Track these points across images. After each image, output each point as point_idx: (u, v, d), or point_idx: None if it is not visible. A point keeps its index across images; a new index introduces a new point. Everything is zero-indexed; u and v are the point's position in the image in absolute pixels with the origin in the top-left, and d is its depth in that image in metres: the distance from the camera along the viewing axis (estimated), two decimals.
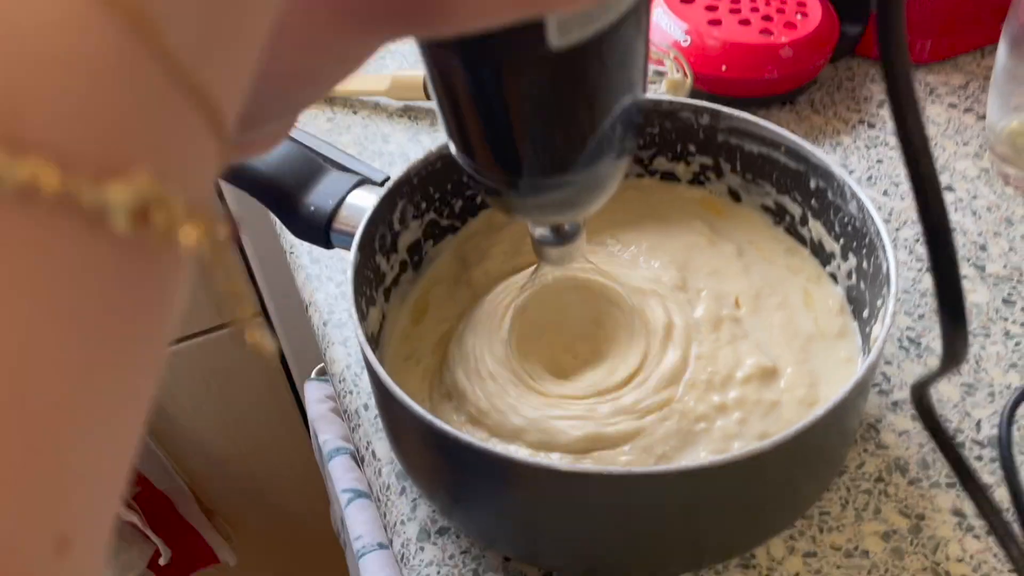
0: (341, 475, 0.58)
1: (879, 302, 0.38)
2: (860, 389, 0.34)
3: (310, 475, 0.65)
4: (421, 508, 0.42)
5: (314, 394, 0.64)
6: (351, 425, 0.48)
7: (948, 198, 0.55)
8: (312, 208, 0.44)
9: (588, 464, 0.35)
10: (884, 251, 0.38)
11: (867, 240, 0.40)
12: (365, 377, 0.48)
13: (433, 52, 0.23)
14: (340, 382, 0.50)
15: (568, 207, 0.28)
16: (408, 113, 0.65)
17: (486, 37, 0.19)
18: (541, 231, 0.32)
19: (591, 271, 0.42)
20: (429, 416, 0.34)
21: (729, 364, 0.39)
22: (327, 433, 0.61)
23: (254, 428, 0.90)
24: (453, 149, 0.26)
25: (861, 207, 0.41)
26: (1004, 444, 0.35)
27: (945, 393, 0.45)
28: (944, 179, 0.56)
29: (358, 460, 0.60)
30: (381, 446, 0.45)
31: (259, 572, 1.01)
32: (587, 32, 0.20)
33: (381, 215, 0.43)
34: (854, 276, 0.43)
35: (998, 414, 0.44)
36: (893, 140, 0.59)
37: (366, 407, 0.47)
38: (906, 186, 0.56)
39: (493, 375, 0.39)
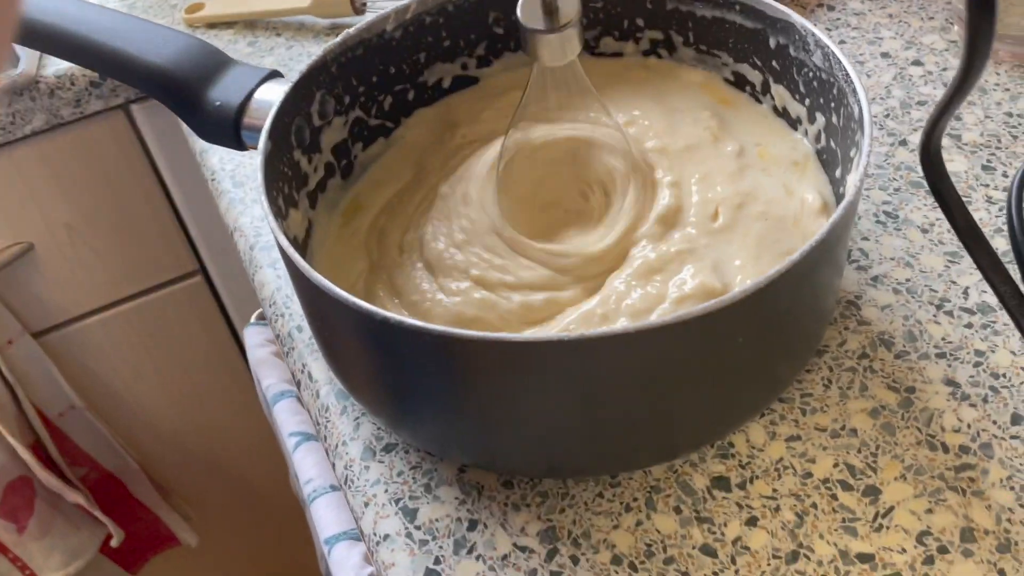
0: (287, 419, 0.53)
1: (852, 152, 0.34)
2: (833, 239, 0.30)
3: (270, 444, 0.61)
4: (364, 426, 0.38)
5: (254, 339, 0.59)
6: (284, 350, 0.44)
7: (916, 73, 0.51)
8: (218, 103, 0.39)
9: (539, 332, 0.31)
10: (855, 94, 0.34)
11: (835, 90, 0.37)
12: (296, 299, 0.44)
13: None
14: (271, 306, 0.45)
15: None
16: (336, 31, 0.61)
17: None
18: (532, 19, 0.30)
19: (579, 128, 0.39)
20: (362, 303, 0.29)
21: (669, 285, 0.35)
22: (270, 378, 0.56)
23: (205, 397, 0.85)
24: None
25: (827, 55, 0.37)
26: (1014, 206, 0.31)
27: (928, 263, 0.41)
28: (911, 54, 0.52)
29: (301, 399, 0.56)
30: (317, 366, 0.41)
31: (224, 551, 0.96)
32: None
33: (295, 104, 0.39)
34: (823, 137, 0.39)
35: (983, 281, 0.40)
36: (855, 20, 0.55)
37: (299, 328, 0.43)
38: (872, 63, 0.52)
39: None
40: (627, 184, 0.38)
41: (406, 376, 0.33)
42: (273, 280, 0.45)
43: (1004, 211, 0.43)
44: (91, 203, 0.70)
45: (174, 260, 0.76)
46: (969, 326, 0.39)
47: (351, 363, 0.36)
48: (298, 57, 0.59)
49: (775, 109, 0.42)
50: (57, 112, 0.62)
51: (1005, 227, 0.42)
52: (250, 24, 0.62)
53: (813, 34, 0.37)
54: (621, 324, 0.33)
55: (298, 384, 0.43)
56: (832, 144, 0.38)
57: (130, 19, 0.41)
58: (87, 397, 0.77)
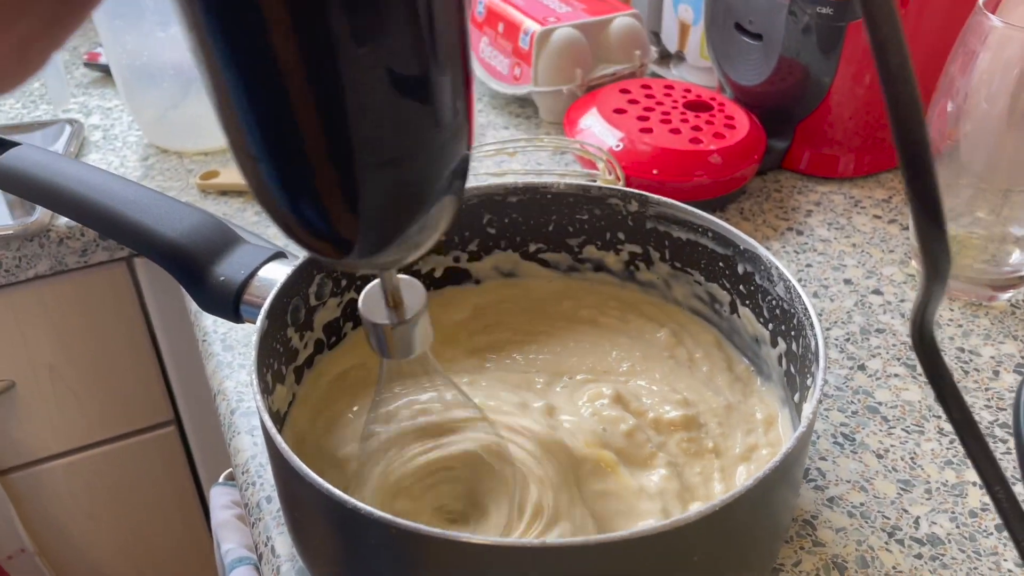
0: None
1: (808, 380, 0.37)
2: (791, 461, 0.32)
3: None
4: None
5: (220, 500, 0.59)
6: (251, 520, 0.44)
7: (876, 302, 0.55)
8: (222, 278, 0.42)
9: (508, 538, 0.32)
10: (812, 327, 0.37)
11: (795, 320, 0.39)
12: (270, 468, 0.45)
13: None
14: (243, 473, 0.46)
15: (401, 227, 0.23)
16: None
17: None
18: (374, 313, 0.28)
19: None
20: (329, 487, 0.30)
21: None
22: (230, 542, 0.56)
23: (159, 552, 0.83)
24: (268, 199, 0.22)
25: (788, 288, 0.40)
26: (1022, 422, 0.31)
27: (882, 489, 0.43)
28: (872, 283, 0.56)
29: (259, 569, 0.55)
30: (282, 541, 0.41)
31: None
32: None
33: (296, 286, 0.41)
34: (784, 361, 0.42)
35: (935, 511, 0.42)
36: (821, 246, 0.60)
37: (268, 499, 0.44)
38: (835, 288, 0.56)
39: None
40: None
41: (368, 565, 0.33)
42: (249, 447, 0.46)
43: (955, 443, 0.45)
44: (78, 346, 0.71)
45: (151, 408, 0.76)
46: (919, 556, 0.40)
47: (314, 539, 0.37)
48: None
49: (743, 330, 0.45)
50: (62, 260, 0.65)
51: (955, 459, 0.44)
52: None
53: (777, 267, 0.41)
54: (589, 536, 0.34)
55: (259, 556, 0.43)
56: (792, 370, 0.40)
57: (149, 193, 0.44)
58: (39, 541, 0.75)
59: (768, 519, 0.34)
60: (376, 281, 0.29)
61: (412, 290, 0.29)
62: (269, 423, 0.33)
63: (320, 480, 0.31)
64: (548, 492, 0.35)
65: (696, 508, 0.29)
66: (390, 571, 0.32)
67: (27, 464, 0.73)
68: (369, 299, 0.29)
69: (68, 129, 0.73)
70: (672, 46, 0.82)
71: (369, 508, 0.30)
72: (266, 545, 0.42)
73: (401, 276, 0.29)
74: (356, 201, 0.21)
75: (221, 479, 0.61)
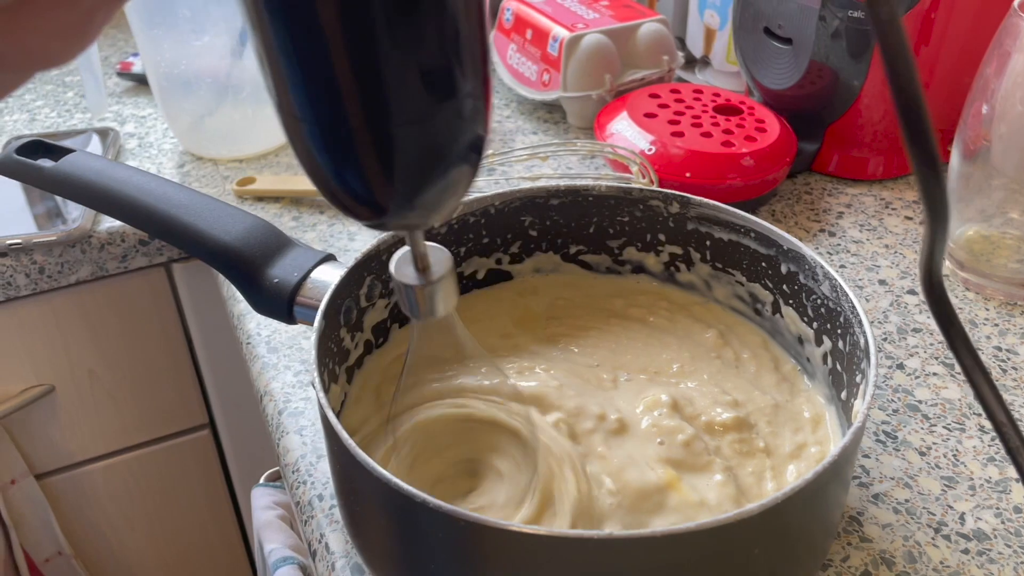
0: None
1: (858, 377, 0.37)
2: (845, 457, 0.33)
3: None
4: None
5: (261, 500, 0.60)
6: (303, 518, 0.45)
7: (912, 301, 0.55)
8: (276, 280, 0.42)
9: (565, 529, 0.33)
10: (861, 325, 0.38)
11: (842, 319, 0.40)
12: (320, 466, 0.45)
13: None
14: (293, 472, 0.46)
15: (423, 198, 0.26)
16: None
17: None
18: (406, 275, 0.30)
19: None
20: (396, 480, 0.31)
21: None
22: (273, 542, 0.57)
23: (192, 554, 0.83)
24: (309, 159, 0.24)
25: (835, 287, 0.40)
26: None
27: (926, 486, 0.43)
28: (907, 283, 0.57)
29: (306, 572, 0.56)
30: (336, 538, 0.42)
31: None
32: None
33: (348, 287, 0.42)
34: (830, 359, 0.42)
35: (980, 507, 0.42)
36: (854, 247, 0.60)
37: (320, 498, 0.44)
38: (870, 289, 0.56)
39: None
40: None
41: (428, 556, 0.34)
42: (299, 447, 0.47)
43: (996, 440, 0.46)
44: (117, 351, 0.72)
45: (186, 412, 0.77)
46: (966, 552, 0.40)
47: (372, 532, 0.38)
48: (337, 235, 0.63)
49: (786, 330, 0.45)
50: (103, 265, 0.66)
51: (998, 456, 0.45)
52: (296, 200, 0.67)
53: (822, 266, 0.41)
54: (655, 527, 0.34)
55: (313, 554, 0.44)
56: (839, 367, 0.41)
57: (202, 197, 0.45)
58: (76, 544, 0.76)
59: (821, 515, 0.35)
60: (406, 247, 0.30)
61: (439, 254, 0.31)
62: (333, 418, 0.34)
63: (386, 472, 0.31)
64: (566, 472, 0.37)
65: (745, 507, 0.30)
66: (451, 562, 0.33)
67: (66, 467, 0.74)
68: (399, 263, 0.31)
69: (106, 137, 0.74)
70: (697, 51, 0.82)
71: (436, 500, 0.30)
72: (320, 542, 0.43)
73: (428, 243, 0.31)
74: (387, 158, 0.24)
75: (262, 480, 0.62)
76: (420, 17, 0.22)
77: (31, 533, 0.74)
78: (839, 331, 0.41)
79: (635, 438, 0.40)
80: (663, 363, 0.45)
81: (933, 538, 0.41)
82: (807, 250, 0.42)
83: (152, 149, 0.75)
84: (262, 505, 0.59)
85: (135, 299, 0.70)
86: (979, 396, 0.30)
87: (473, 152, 0.26)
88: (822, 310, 0.42)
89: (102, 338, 0.71)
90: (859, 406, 0.35)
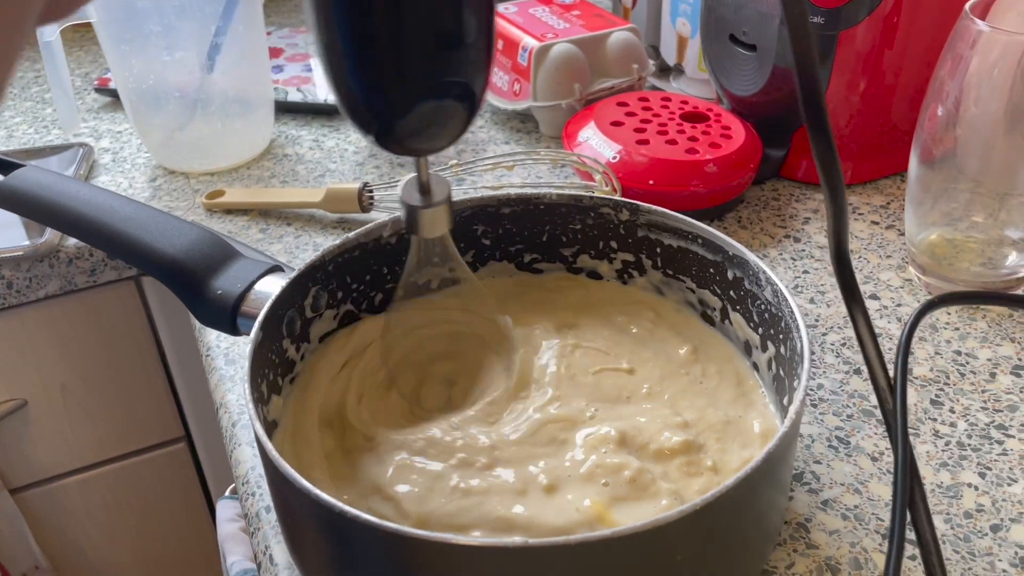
0: None
1: (796, 382, 0.37)
2: (773, 461, 0.32)
3: None
4: None
5: (226, 513, 0.60)
6: (251, 529, 0.45)
7: (873, 305, 0.55)
8: (219, 292, 0.43)
9: (484, 538, 0.33)
10: (798, 330, 0.37)
11: (783, 324, 0.40)
12: (265, 475, 0.45)
13: None
14: (244, 484, 0.46)
15: (431, 127, 0.30)
16: (343, 224, 0.65)
17: None
18: (410, 196, 0.35)
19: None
20: (316, 491, 0.31)
21: None
22: (235, 554, 0.57)
23: (171, 566, 0.83)
24: (331, 83, 0.29)
25: (776, 291, 0.40)
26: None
27: (876, 492, 0.43)
28: (869, 288, 0.57)
29: None
30: (279, 550, 0.42)
31: None
32: None
33: (290, 298, 0.42)
34: (774, 365, 0.42)
35: (932, 512, 0.42)
36: (818, 252, 0.60)
37: (268, 509, 0.44)
38: (832, 294, 0.56)
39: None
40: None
41: (359, 567, 0.34)
42: (250, 459, 0.47)
43: (950, 446, 0.45)
44: (89, 365, 0.72)
45: (161, 425, 0.77)
46: (913, 557, 0.40)
47: (306, 544, 0.37)
48: (304, 246, 0.64)
49: (734, 337, 0.45)
50: (72, 279, 0.66)
51: (950, 461, 0.44)
52: (264, 213, 0.67)
53: (764, 271, 0.41)
54: (577, 535, 0.34)
55: (259, 566, 0.44)
56: (781, 373, 0.41)
57: (149, 211, 0.46)
58: (54, 558, 0.76)
59: (753, 519, 0.35)
60: (412, 175, 0.35)
61: (440, 182, 0.36)
62: (260, 430, 0.34)
63: (306, 483, 0.31)
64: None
65: (678, 508, 0.30)
66: (380, 572, 0.33)
67: (40, 482, 0.74)
68: (407, 188, 0.36)
69: (79, 152, 0.75)
70: (671, 59, 0.82)
71: (355, 511, 0.30)
72: (264, 554, 0.42)
73: (432, 172, 0.35)
74: (403, 82, 0.28)
75: (227, 493, 0.62)
76: None
77: (7, 547, 0.74)
78: (781, 336, 0.40)
79: (573, 487, 0.39)
80: (635, 386, 0.44)
81: (880, 544, 0.40)
82: (751, 255, 0.42)
83: (125, 164, 0.75)
84: (225, 517, 0.59)
85: (106, 313, 0.71)
86: (871, 370, 0.32)
87: (469, 96, 0.30)
88: (766, 315, 0.42)
89: (74, 352, 0.71)
90: (791, 411, 0.35)
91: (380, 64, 0.28)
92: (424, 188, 0.35)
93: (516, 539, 0.30)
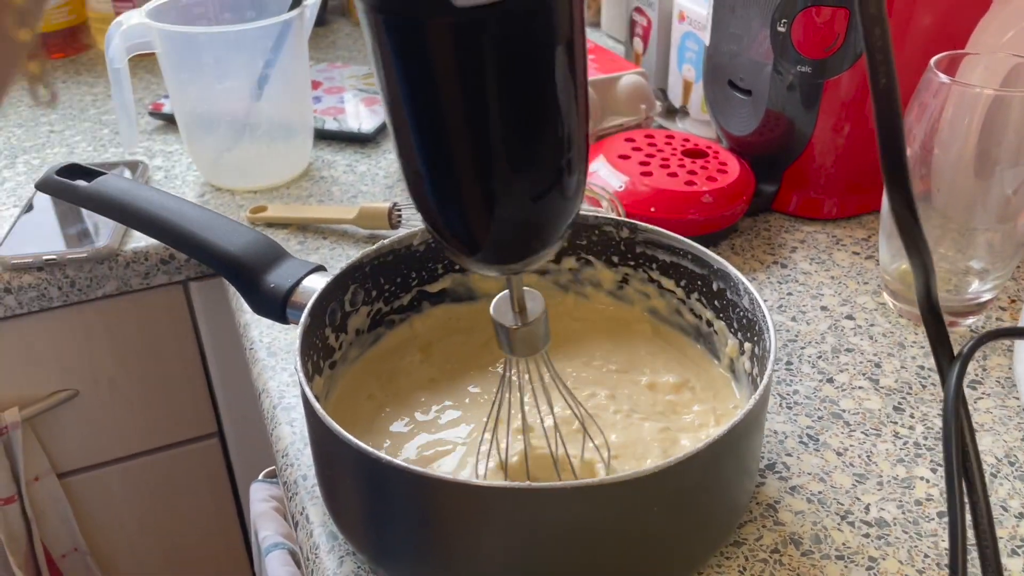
0: (276, 568, 0.59)
1: (764, 373, 0.43)
2: (739, 433, 0.38)
3: None
4: (348, 563, 0.45)
5: (259, 494, 0.66)
6: (289, 495, 0.51)
7: (848, 325, 0.61)
8: (272, 285, 0.49)
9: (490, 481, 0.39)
10: (767, 331, 0.44)
11: (757, 326, 0.46)
12: (306, 452, 0.52)
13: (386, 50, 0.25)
14: (283, 457, 0.53)
15: (521, 245, 0.30)
16: (373, 240, 0.72)
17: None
18: (503, 316, 0.34)
19: None
20: (355, 440, 0.37)
21: None
22: (266, 530, 0.63)
23: (195, 551, 0.89)
24: (419, 210, 0.30)
25: (752, 300, 0.47)
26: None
27: (839, 481, 0.49)
28: (846, 309, 0.63)
29: (295, 557, 0.62)
30: (314, 510, 0.48)
31: None
32: None
33: (333, 292, 0.49)
34: (748, 365, 0.48)
35: (885, 500, 0.47)
36: (802, 277, 0.66)
37: (304, 478, 0.50)
38: (811, 314, 0.62)
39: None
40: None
41: (386, 511, 0.40)
42: (288, 435, 0.53)
43: (907, 445, 0.51)
44: (136, 361, 0.79)
45: (197, 420, 0.84)
46: (867, 536, 0.45)
47: (344, 500, 0.44)
48: (338, 258, 0.70)
49: (717, 339, 0.52)
50: (127, 281, 0.73)
51: (906, 457, 0.50)
52: (302, 227, 0.74)
53: (743, 282, 0.47)
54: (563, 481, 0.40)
55: (295, 525, 0.50)
56: (755, 371, 0.47)
57: (212, 214, 0.53)
58: (90, 541, 0.82)
59: (720, 487, 0.41)
60: (505, 291, 0.35)
61: (534, 299, 0.36)
62: (310, 393, 0.41)
63: (347, 434, 0.38)
64: None
65: (660, 462, 0.36)
66: (406, 515, 0.39)
67: (85, 468, 0.81)
68: (499, 305, 0.36)
69: (136, 168, 0.82)
70: (677, 101, 0.90)
71: (387, 456, 0.37)
72: (301, 514, 0.49)
73: (526, 288, 0.35)
74: (489, 207, 0.29)
75: (260, 477, 0.68)
76: (531, 128, 0.27)
77: (51, 529, 0.80)
78: (755, 337, 0.47)
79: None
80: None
81: (839, 524, 0.46)
82: (732, 268, 0.48)
83: (177, 180, 0.83)
84: (259, 498, 0.65)
85: (155, 313, 0.78)
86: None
87: (567, 222, 0.31)
88: (744, 320, 0.48)
89: (123, 348, 0.78)
90: (755, 394, 0.41)
91: (465, 177, 0.27)
92: (519, 306, 0.34)
93: (522, 483, 0.36)
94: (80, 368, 0.77)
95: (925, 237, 0.34)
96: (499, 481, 0.39)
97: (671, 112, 0.92)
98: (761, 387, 0.40)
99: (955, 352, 0.36)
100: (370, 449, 0.37)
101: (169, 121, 0.94)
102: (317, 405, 0.39)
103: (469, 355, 0.54)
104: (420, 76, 0.26)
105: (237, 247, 0.50)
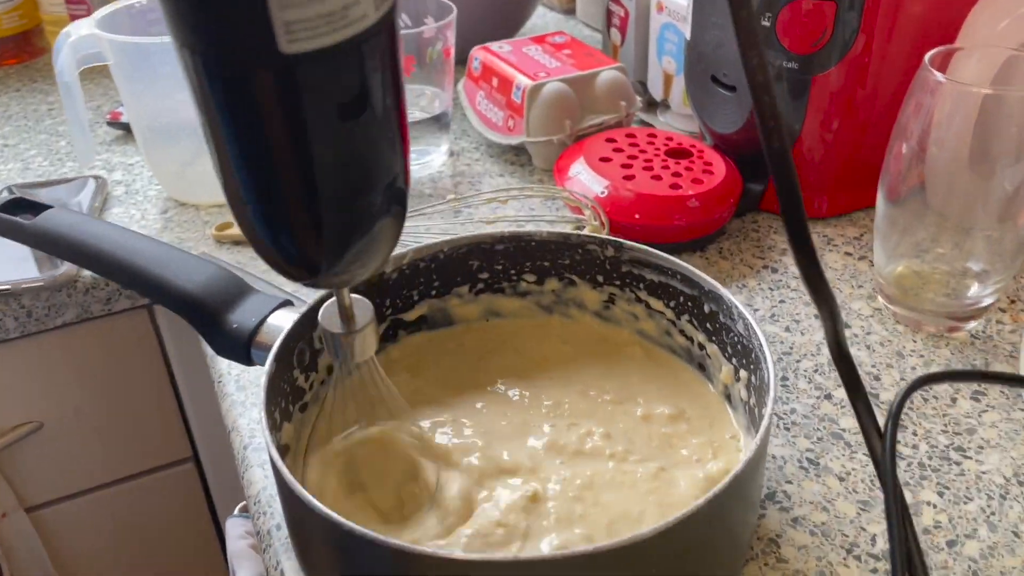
0: None
1: (764, 409, 0.41)
2: (740, 483, 0.36)
3: None
4: None
5: (235, 530, 0.63)
6: (263, 546, 0.48)
7: (846, 333, 0.58)
8: (235, 325, 0.46)
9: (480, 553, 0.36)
10: (765, 361, 0.41)
11: (753, 355, 0.43)
12: (279, 499, 0.49)
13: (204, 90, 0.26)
14: (255, 504, 0.50)
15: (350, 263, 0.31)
16: None
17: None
18: (331, 324, 0.36)
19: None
20: (326, 510, 0.34)
21: None
22: (245, 570, 0.60)
23: None
24: (242, 229, 0.30)
25: (747, 325, 0.44)
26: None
27: (842, 510, 0.46)
28: (842, 317, 0.60)
29: None
30: (291, 566, 0.45)
31: None
32: (314, 44, 0.25)
33: (301, 331, 0.46)
34: (745, 393, 0.45)
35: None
36: (795, 283, 0.64)
37: (278, 527, 0.47)
38: (806, 323, 0.60)
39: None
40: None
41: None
42: (260, 480, 0.50)
43: (911, 466, 0.49)
44: (102, 389, 0.76)
45: (171, 446, 0.80)
46: (875, 571, 0.43)
47: (317, 560, 0.41)
48: None
49: (711, 366, 0.49)
50: (88, 308, 0.70)
51: (911, 480, 0.48)
52: None
53: (736, 306, 0.45)
54: (549, 551, 0.37)
55: None
56: (752, 400, 0.44)
57: (169, 248, 0.49)
58: (65, 574, 0.79)
59: (721, 534, 0.38)
60: (333, 299, 0.36)
61: (362, 306, 0.36)
62: (276, 455, 0.38)
63: (320, 505, 0.35)
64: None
65: (652, 526, 0.33)
66: None
67: (54, 501, 0.77)
68: (326, 313, 0.36)
69: (93, 184, 0.78)
70: (658, 95, 0.86)
71: (363, 529, 0.34)
72: (276, 568, 0.46)
73: (353, 295, 0.36)
74: (318, 236, 0.29)
75: (236, 511, 0.65)
76: (347, 127, 0.27)
77: (22, 564, 0.77)
78: (752, 366, 0.44)
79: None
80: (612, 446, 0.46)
81: (845, 558, 0.44)
82: (724, 291, 0.46)
83: (138, 196, 0.79)
84: (235, 535, 0.62)
85: (119, 339, 0.74)
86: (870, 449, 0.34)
87: (392, 225, 0.31)
88: (739, 347, 0.45)
89: (88, 377, 0.74)
90: (757, 437, 0.38)
91: (293, 214, 0.28)
92: (347, 314, 0.36)
93: (506, 554, 0.33)
94: (43, 399, 0.74)
95: (830, 288, 0.35)
96: (485, 554, 0.37)
97: (652, 105, 0.88)
98: (761, 430, 0.38)
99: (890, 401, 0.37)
100: (344, 521, 0.34)
101: (128, 131, 0.90)
102: (285, 470, 0.36)
103: (463, 374, 0.51)
104: (242, 115, 0.27)
105: (196, 284, 0.47)
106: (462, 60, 0.87)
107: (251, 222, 0.29)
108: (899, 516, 0.35)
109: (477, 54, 0.84)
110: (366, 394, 0.41)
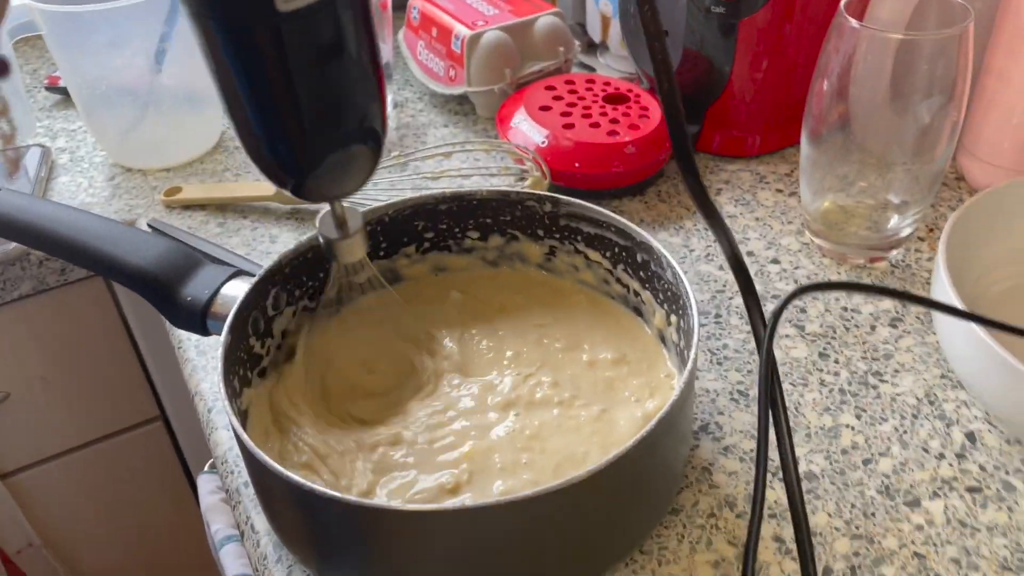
0: (231, 562, 0.60)
1: (690, 352, 0.44)
2: (669, 421, 0.39)
3: None
4: (296, 573, 0.45)
5: (206, 486, 0.66)
6: (232, 503, 0.51)
7: (774, 270, 0.62)
8: (189, 298, 0.48)
9: (429, 505, 0.39)
10: (690, 307, 0.44)
11: (680, 301, 0.46)
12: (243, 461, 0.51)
13: (208, 39, 0.32)
14: (223, 464, 0.52)
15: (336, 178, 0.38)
16: (295, 215, 0.71)
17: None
18: (328, 231, 0.42)
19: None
20: (288, 473, 0.37)
21: None
22: (218, 523, 0.63)
23: (157, 537, 0.90)
24: (245, 147, 0.36)
25: (675, 274, 0.47)
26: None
27: (769, 436, 0.50)
28: (771, 253, 0.63)
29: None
30: (259, 520, 0.48)
31: None
32: (304, 2, 0.31)
33: (254, 301, 0.48)
34: (678, 336, 0.49)
35: (813, 451, 0.49)
36: (728, 222, 0.66)
37: (246, 484, 0.50)
38: None
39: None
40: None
41: (326, 533, 0.40)
42: (226, 440, 0.53)
43: (833, 392, 0.53)
44: (66, 356, 0.77)
45: (137, 406, 0.83)
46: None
47: (282, 516, 0.44)
48: (260, 238, 0.69)
49: (645, 310, 0.52)
50: (43, 280, 0.71)
51: (832, 406, 0.52)
52: (221, 207, 0.72)
53: (665, 256, 0.48)
54: (495, 497, 0.41)
55: (242, 534, 0.50)
56: (682, 343, 0.48)
57: (118, 226, 0.50)
58: (45, 535, 0.82)
59: (656, 467, 0.42)
60: (327, 208, 0.42)
61: (354, 215, 0.43)
62: (238, 426, 0.40)
63: (281, 468, 0.37)
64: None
65: (587, 468, 0.36)
66: (344, 537, 0.39)
67: (27, 466, 0.79)
68: (323, 222, 0.43)
69: (38, 153, 0.78)
70: (596, 36, 0.87)
71: (323, 489, 0.37)
72: (247, 523, 0.49)
73: (345, 204, 0.41)
74: (304, 145, 0.36)
75: (206, 468, 0.67)
76: (329, 66, 0.34)
77: (3, 531, 0.79)
78: (680, 311, 0.47)
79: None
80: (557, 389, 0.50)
81: (771, 481, 0.48)
82: (655, 242, 0.48)
83: (83, 163, 0.79)
84: (207, 490, 0.65)
85: (77, 307, 0.75)
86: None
87: (367, 154, 0.38)
88: (668, 293, 0.48)
89: (50, 346, 0.76)
90: (681, 379, 0.41)
91: (287, 134, 0.35)
92: (340, 222, 0.42)
93: (456, 502, 0.36)
94: (7, 370, 0.75)
95: (718, 211, 0.42)
96: (430, 505, 0.40)
97: (592, 47, 0.90)
98: (686, 372, 0.41)
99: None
100: (303, 482, 0.37)
101: (67, 96, 0.89)
102: (246, 437, 0.39)
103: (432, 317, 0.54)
104: (249, 63, 0.33)
105: (148, 260, 0.49)
106: (401, 6, 0.87)
107: (256, 141, 0.36)
108: (764, 409, 0.39)
109: (415, 3, 0.84)
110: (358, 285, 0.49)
